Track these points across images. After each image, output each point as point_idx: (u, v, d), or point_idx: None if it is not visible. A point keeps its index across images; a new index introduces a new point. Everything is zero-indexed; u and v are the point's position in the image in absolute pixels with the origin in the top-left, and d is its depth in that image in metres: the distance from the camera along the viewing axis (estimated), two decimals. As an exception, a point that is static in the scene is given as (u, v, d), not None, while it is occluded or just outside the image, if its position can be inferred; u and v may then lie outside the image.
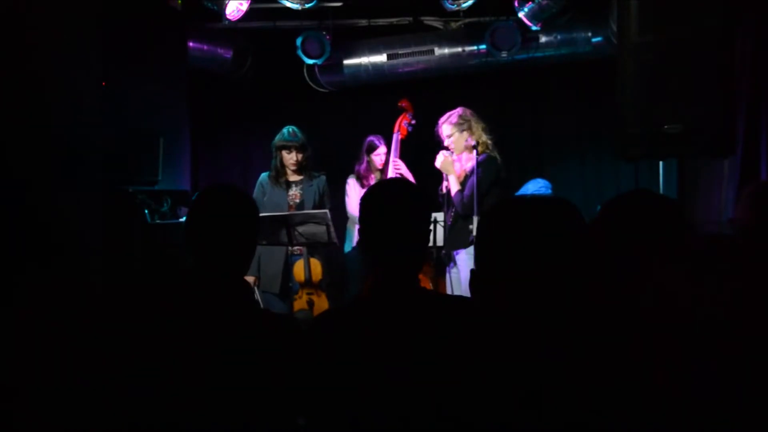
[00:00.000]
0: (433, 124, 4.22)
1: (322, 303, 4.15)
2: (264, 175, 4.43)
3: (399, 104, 4.70)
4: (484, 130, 4.06)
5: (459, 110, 4.10)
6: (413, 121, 4.65)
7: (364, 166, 4.84)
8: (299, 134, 4.33)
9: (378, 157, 4.82)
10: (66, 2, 3.23)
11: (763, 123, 3.52)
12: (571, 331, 1.24)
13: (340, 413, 1.59)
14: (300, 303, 4.12)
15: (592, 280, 1.28)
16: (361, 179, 4.81)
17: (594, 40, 5.33)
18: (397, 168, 4.57)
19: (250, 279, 4.27)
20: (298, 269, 4.14)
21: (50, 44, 3.08)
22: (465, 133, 4.03)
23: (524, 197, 3.35)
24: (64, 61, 3.17)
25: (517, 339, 1.25)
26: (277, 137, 4.35)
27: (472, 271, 1.30)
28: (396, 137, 4.61)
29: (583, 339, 1.24)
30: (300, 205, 4.27)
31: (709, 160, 3.92)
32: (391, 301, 1.65)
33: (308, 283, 4.12)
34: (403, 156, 4.67)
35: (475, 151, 3.91)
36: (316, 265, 4.14)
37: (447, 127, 4.07)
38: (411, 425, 1.52)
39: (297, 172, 4.35)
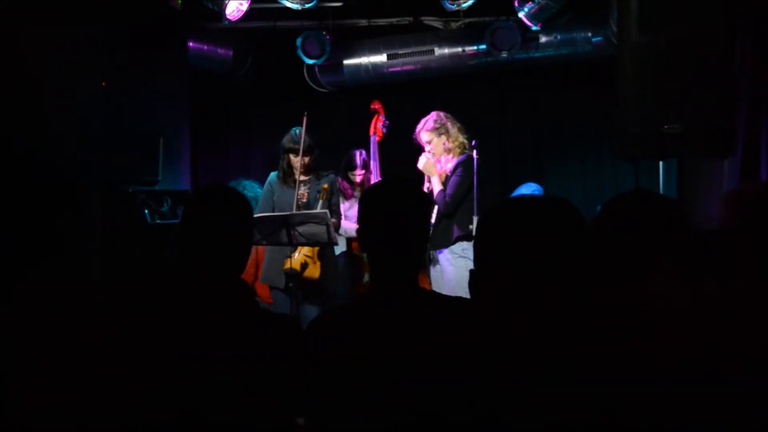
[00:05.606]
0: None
1: (314, 267, 4.13)
2: (273, 175, 4.40)
3: (371, 106, 4.77)
4: (459, 130, 4.20)
5: (433, 115, 4.21)
6: (387, 122, 4.75)
7: (343, 182, 4.85)
8: (307, 137, 4.32)
9: (355, 176, 4.85)
10: (66, 2, 3.24)
11: (763, 123, 3.52)
12: (571, 331, 1.24)
13: (340, 413, 1.59)
14: (294, 263, 4.09)
15: (592, 280, 1.28)
16: (344, 193, 4.81)
17: (594, 40, 5.32)
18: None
19: None
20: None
21: (50, 44, 3.09)
22: (443, 136, 4.17)
23: (524, 197, 3.36)
24: (65, 61, 3.18)
25: (517, 339, 1.25)
26: (285, 139, 4.30)
27: (471, 271, 1.30)
28: (373, 140, 4.69)
29: (582, 339, 1.24)
30: (306, 205, 4.25)
31: (709, 160, 3.92)
32: (390, 301, 1.65)
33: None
34: (384, 158, 4.73)
35: (468, 152, 4.07)
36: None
37: (425, 134, 4.20)
38: (411, 425, 1.52)
39: (304, 173, 4.34)
